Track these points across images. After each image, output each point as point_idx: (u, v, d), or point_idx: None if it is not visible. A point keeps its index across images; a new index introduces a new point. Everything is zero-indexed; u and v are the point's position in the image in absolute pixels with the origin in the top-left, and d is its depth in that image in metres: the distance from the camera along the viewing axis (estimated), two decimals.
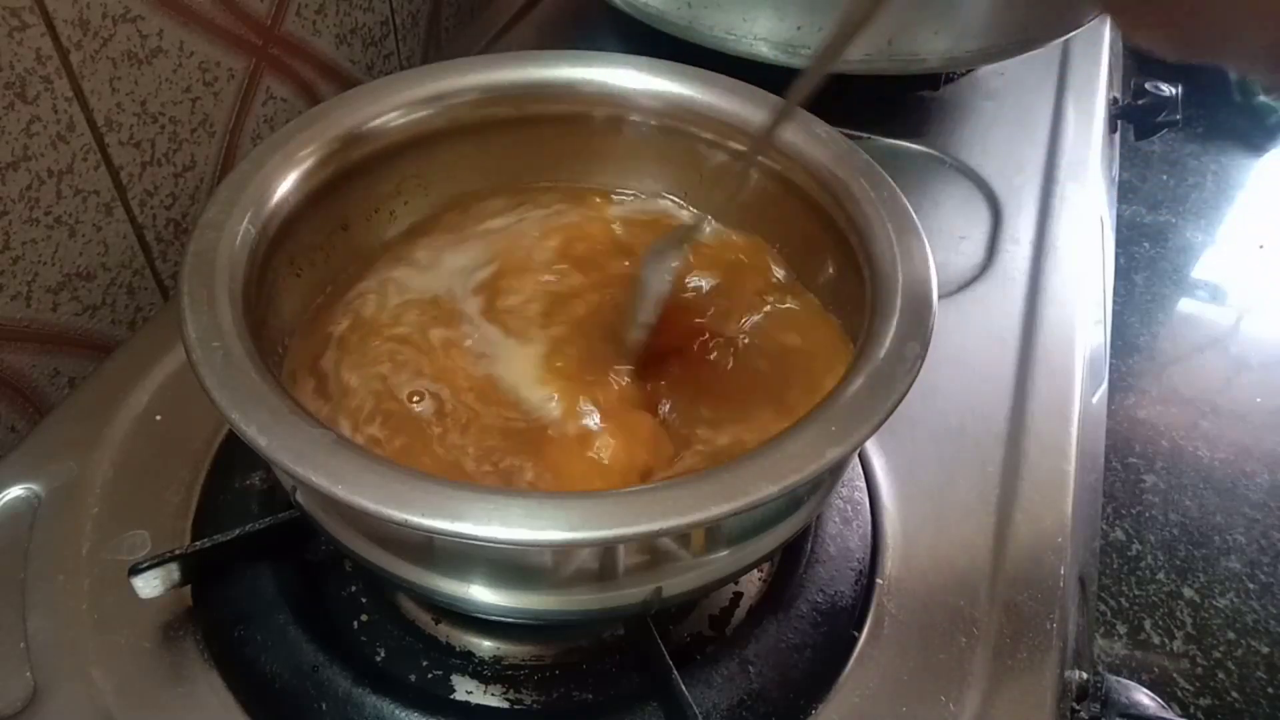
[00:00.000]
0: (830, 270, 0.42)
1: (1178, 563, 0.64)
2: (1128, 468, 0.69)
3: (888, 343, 0.33)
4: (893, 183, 0.39)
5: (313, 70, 0.66)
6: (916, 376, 0.32)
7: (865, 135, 0.68)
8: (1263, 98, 1.13)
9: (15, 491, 0.44)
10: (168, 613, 0.40)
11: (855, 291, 0.38)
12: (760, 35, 0.64)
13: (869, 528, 0.45)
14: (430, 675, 0.39)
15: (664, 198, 0.48)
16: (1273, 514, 0.67)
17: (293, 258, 0.40)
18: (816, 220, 0.42)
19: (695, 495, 0.28)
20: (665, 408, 0.39)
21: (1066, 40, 0.74)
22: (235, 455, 0.46)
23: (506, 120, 0.45)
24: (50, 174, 0.49)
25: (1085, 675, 0.42)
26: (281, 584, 0.40)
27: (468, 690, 0.39)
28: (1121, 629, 0.60)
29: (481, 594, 0.33)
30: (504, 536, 0.27)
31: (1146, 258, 0.87)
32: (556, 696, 0.39)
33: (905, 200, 0.38)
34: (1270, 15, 0.29)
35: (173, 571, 0.39)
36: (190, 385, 0.31)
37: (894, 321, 0.34)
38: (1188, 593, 0.62)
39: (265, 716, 0.37)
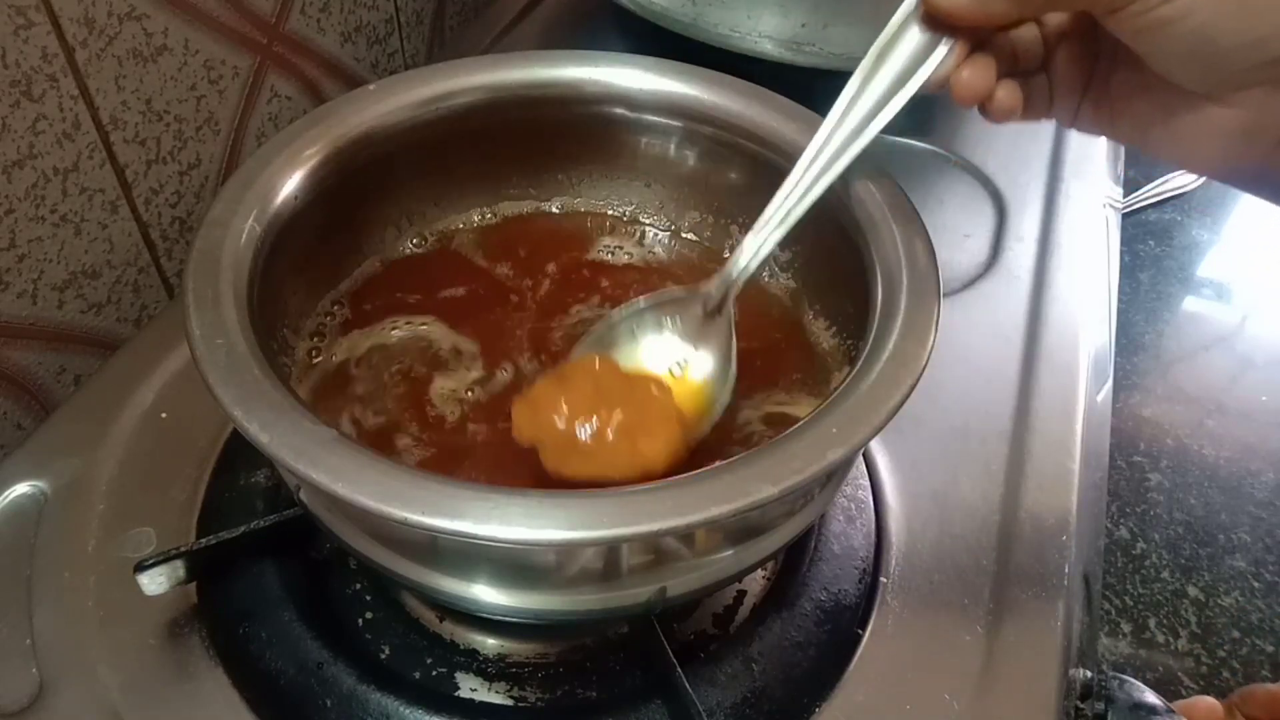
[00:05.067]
0: (835, 270, 0.42)
1: (1182, 561, 0.63)
2: (1132, 466, 0.69)
3: (891, 344, 0.33)
4: (897, 181, 0.39)
5: (317, 68, 0.66)
6: (919, 378, 0.32)
7: None
8: None
9: (21, 488, 0.44)
10: (173, 609, 0.40)
11: (860, 291, 0.37)
12: (765, 33, 0.64)
13: (873, 526, 0.45)
14: (435, 673, 0.39)
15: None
16: (1278, 513, 0.67)
17: (297, 256, 0.40)
18: (821, 219, 0.41)
19: (695, 496, 0.28)
20: None
21: None
22: (240, 452, 0.46)
23: (512, 119, 0.45)
24: (56, 172, 0.49)
25: (1089, 673, 0.42)
26: (286, 581, 0.41)
27: (472, 688, 0.39)
28: (1126, 627, 0.59)
29: (485, 593, 0.33)
30: (503, 535, 0.27)
31: (1151, 255, 0.87)
32: (561, 694, 0.39)
33: (910, 199, 0.38)
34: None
35: (178, 568, 0.39)
36: (196, 383, 0.31)
37: (898, 322, 0.34)
38: (1192, 591, 0.62)
39: (270, 713, 0.37)
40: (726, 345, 0.39)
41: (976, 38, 0.34)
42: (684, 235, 0.48)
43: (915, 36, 0.34)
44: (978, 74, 0.34)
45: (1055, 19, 0.35)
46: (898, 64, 0.35)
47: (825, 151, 0.37)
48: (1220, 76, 0.31)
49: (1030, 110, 0.36)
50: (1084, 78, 0.36)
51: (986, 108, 0.35)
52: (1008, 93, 0.34)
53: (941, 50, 0.34)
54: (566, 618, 0.37)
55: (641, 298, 0.41)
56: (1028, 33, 0.36)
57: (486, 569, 0.32)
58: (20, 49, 0.45)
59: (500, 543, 0.27)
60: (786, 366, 0.42)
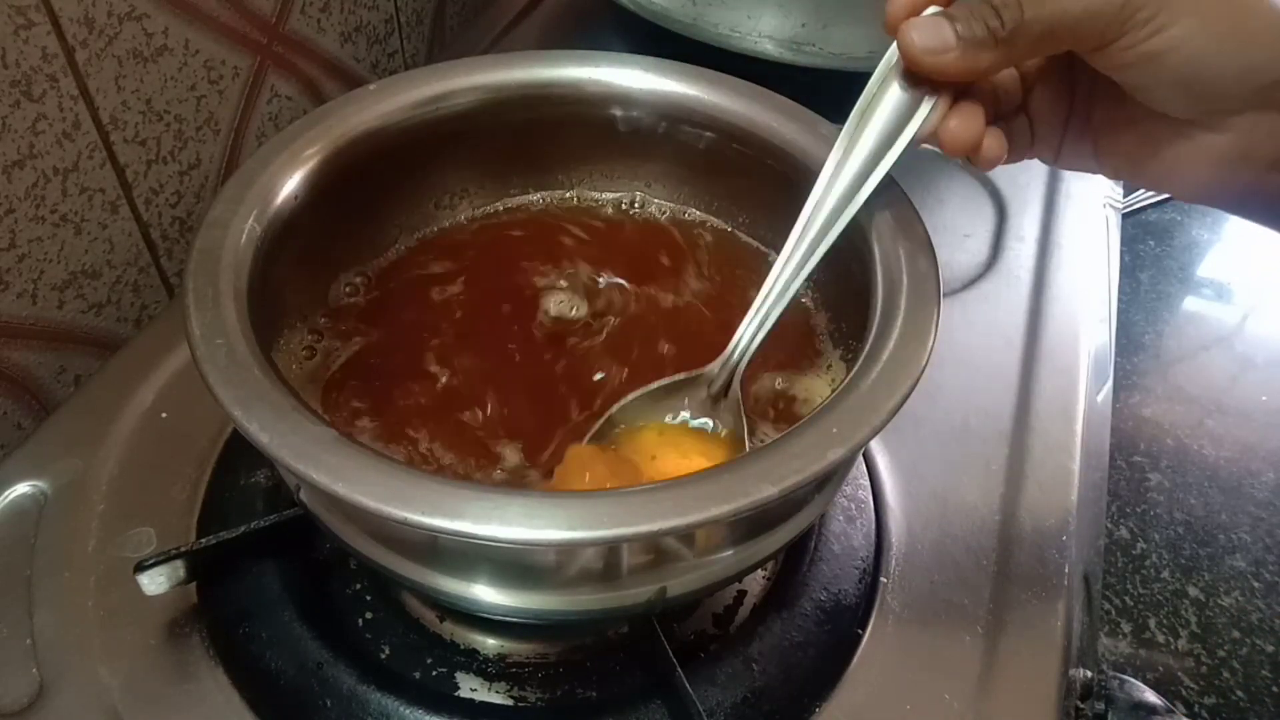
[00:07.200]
0: (835, 270, 0.42)
1: (1182, 561, 0.63)
2: (1132, 466, 0.69)
3: (892, 344, 0.33)
4: (897, 181, 0.39)
5: (317, 68, 0.66)
6: (919, 379, 0.32)
7: None
8: None
9: (21, 488, 0.44)
10: (173, 610, 0.40)
11: (860, 291, 0.37)
12: (765, 33, 0.64)
13: (873, 526, 0.45)
14: (435, 673, 0.39)
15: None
16: (1278, 513, 0.67)
17: (297, 256, 0.40)
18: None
19: (695, 496, 0.28)
20: None
21: None
22: (240, 452, 0.46)
23: (512, 120, 0.45)
24: (56, 172, 0.49)
25: (1089, 674, 0.42)
26: (286, 581, 0.41)
27: (472, 688, 0.39)
28: (1126, 627, 0.59)
29: (485, 593, 0.33)
30: (502, 535, 0.27)
31: (1152, 255, 0.87)
32: (561, 694, 0.39)
33: (910, 200, 0.38)
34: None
35: (178, 568, 0.39)
36: (196, 382, 0.31)
37: (898, 323, 0.34)
38: (1192, 591, 0.62)
39: (270, 713, 0.37)
40: (738, 425, 0.38)
41: (960, 88, 0.34)
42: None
43: (897, 94, 0.34)
44: (965, 124, 0.33)
45: (1032, 59, 0.35)
46: (881, 123, 0.34)
47: (814, 224, 0.36)
48: (1211, 104, 0.31)
49: (1014, 153, 0.36)
50: (1064, 113, 0.36)
51: (974, 157, 0.34)
52: (994, 140, 0.34)
53: (926, 106, 0.33)
54: (566, 618, 0.37)
55: (639, 391, 0.38)
56: (1006, 75, 0.35)
57: (487, 569, 0.32)
58: (20, 49, 0.45)
59: (500, 543, 0.27)
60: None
